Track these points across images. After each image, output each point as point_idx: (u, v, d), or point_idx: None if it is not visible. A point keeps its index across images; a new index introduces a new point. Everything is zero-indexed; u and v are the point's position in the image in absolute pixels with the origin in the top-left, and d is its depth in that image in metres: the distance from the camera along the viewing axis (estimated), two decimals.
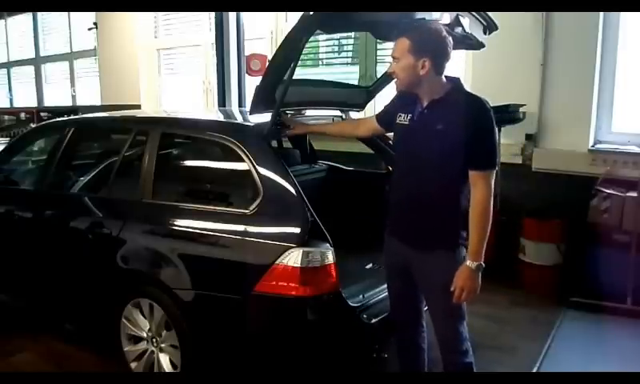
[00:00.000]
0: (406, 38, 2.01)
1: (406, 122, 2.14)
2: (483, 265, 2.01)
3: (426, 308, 2.34)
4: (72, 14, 8.02)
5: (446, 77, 2.08)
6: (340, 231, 2.43)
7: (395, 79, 2.11)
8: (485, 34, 2.79)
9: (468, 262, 2.00)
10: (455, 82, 2.10)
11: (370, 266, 2.97)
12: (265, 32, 5.76)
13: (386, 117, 2.35)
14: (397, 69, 2.06)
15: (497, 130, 2.05)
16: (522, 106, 3.90)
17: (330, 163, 3.84)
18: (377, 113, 2.44)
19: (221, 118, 3.48)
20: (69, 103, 8.26)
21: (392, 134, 2.30)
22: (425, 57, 1.99)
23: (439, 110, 2.03)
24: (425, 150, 2.05)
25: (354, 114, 3.29)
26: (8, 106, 9.50)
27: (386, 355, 2.53)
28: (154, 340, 2.66)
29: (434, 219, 2.08)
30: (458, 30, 2.48)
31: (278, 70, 2.37)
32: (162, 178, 2.74)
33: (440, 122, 2.00)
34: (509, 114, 3.81)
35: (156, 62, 7.04)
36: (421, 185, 2.07)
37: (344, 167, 3.80)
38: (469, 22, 2.54)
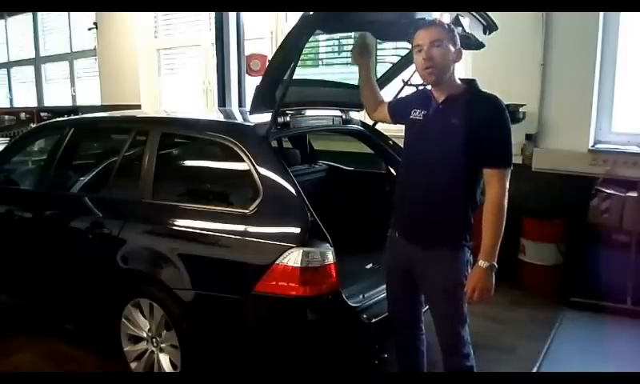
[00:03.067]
0: (439, 25, 2.00)
1: (420, 118, 2.12)
2: (496, 265, 1.99)
3: (426, 309, 2.33)
4: (72, 13, 8.01)
5: (460, 79, 2.09)
6: (340, 231, 2.42)
7: (426, 69, 1.99)
8: (485, 33, 2.79)
9: (480, 262, 1.98)
10: (471, 83, 2.09)
11: (370, 265, 2.96)
12: (265, 32, 5.76)
13: (398, 109, 2.34)
14: (438, 54, 1.97)
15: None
16: (522, 105, 3.90)
17: (330, 163, 3.84)
18: (390, 100, 2.41)
19: (221, 118, 3.48)
20: (69, 103, 8.25)
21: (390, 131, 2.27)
22: (457, 44, 2.03)
23: (455, 106, 2.02)
24: (439, 146, 2.02)
25: (353, 114, 3.29)
26: (8, 106, 9.49)
27: (385, 355, 2.53)
28: (154, 340, 2.67)
29: (444, 216, 2.05)
30: (458, 29, 2.47)
31: (278, 70, 2.37)
32: (162, 178, 2.74)
33: (455, 117, 1.99)
34: (509, 114, 3.80)
35: (156, 62, 7.03)
36: (432, 181, 2.04)
37: (344, 167, 3.80)
38: (469, 22, 2.54)
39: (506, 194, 1.98)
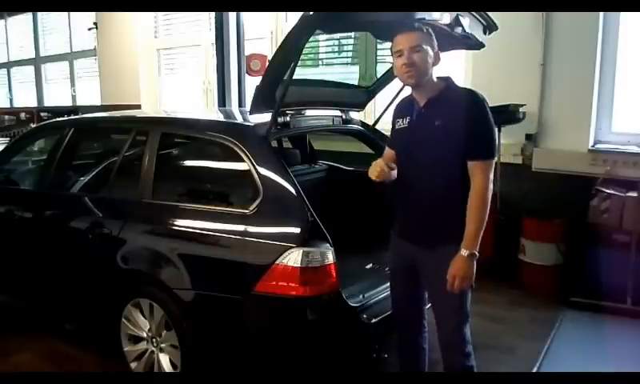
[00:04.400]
0: (418, 30, 2.04)
1: (405, 125, 2.18)
2: (477, 254, 2.02)
3: (429, 306, 2.33)
4: (72, 13, 8.01)
5: (438, 77, 2.12)
6: (340, 231, 2.42)
7: (407, 73, 2.03)
8: (485, 33, 2.79)
9: (462, 251, 2.01)
10: (448, 80, 2.13)
11: (370, 265, 2.97)
12: (265, 32, 5.76)
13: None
14: (418, 59, 2.01)
15: (493, 121, 2.05)
16: (522, 105, 3.90)
17: (330, 163, 3.84)
18: (388, 140, 2.39)
19: (221, 118, 3.48)
20: (69, 103, 8.25)
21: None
22: (435, 48, 2.07)
23: (436, 106, 2.07)
24: (428, 149, 2.07)
25: (353, 114, 3.29)
26: (8, 106, 9.49)
27: (385, 355, 2.53)
28: (154, 340, 2.67)
29: (442, 215, 2.08)
30: (458, 30, 2.48)
31: (278, 70, 2.37)
32: (162, 178, 2.74)
33: (438, 117, 2.04)
34: (509, 114, 3.81)
35: (156, 62, 7.03)
36: (425, 182, 2.09)
37: (344, 167, 3.80)
38: (469, 22, 2.54)
39: (490, 185, 2.02)
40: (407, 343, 2.38)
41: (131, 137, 3.00)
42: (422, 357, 2.39)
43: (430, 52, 2.04)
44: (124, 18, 6.99)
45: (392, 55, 2.09)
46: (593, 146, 3.94)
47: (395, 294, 2.34)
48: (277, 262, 2.21)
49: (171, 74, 7.05)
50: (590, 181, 3.82)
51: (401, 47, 2.03)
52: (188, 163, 3.32)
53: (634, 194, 3.58)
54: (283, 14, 5.61)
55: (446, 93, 2.09)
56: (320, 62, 5.71)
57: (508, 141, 4.08)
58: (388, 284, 2.56)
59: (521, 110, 3.90)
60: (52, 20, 8.58)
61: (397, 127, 2.24)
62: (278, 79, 2.39)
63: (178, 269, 2.48)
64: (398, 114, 2.25)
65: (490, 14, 2.70)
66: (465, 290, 2.07)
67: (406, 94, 2.28)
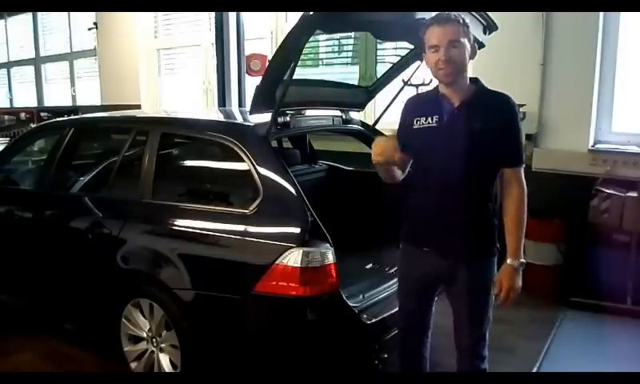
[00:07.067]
0: (455, 21, 1.88)
1: (433, 124, 1.95)
2: (525, 262, 1.99)
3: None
4: (72, 13, 8.01)
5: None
6: (340, 231, 2.42)
7: (442, 70, 1.87)
8: (485, 33, 2.79)
9: (509, 261, 1.96)
10: (477, 82, 2.01)
11: (370, 265, 2.97)
12: (265, 32, 5.76)
13: (406, 141, 2.04)
14: (456, 55, 1.85)
15: None
16: (522, 106, 3.90)
17: (330, 163, 3.84)
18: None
19: (221, 118, 3.48)
20: (69, 103, 8.24)
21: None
22: (472, 40, 1.93)
23: (473, 108, 1.92)
24: (463, 152, 1.90)
25: (353, 114, 3.29)
26: (8, 106, 9.49)
27: (385, 355, 2.53)
28: (154, 340, 2.67)
29: (475, 224, 1.98)
30: None
31: (278, 70, 2.37)
32: (162, 178, 2.74)
33: (477, 120, 1.89)
34: None
35: (156, 62, 7.03)
36: (459, 189, 1.93)
37: (344, 167, 3.80)
38: (469, 22, 2.53)
39: (526, 190, 2.02)
40: (410, 353, 2.29)
41: (131, 137, 3.00)
42: (424, 365, 2.32)
43: (468, 46, 1.88)
44: (124, 18, 6.98)
45: (425, 48, 1.92)
46: (593, 146, 3.94)
47: (407, 306, 2.20)
48: (277, 261, 2.21)
49: (171, 73, 7.05)
50: (589, 181, 3.82)
51: (436, 42, 1.86)
52: (188, 163, 3.32)
53: (634, 194, 3.58)
54: (283, 13, 5.61)
55: (481, 95, 1.96)
56: (320, 62, 5.71)
57: None
58: (388, 284, 2.56)
59: (521, 109, 3.88)
60: (52, 20, 8.58)
61: (416, 126, 1.98)
62: (278, 79, 2.39)
63: (178, 269, 2.48)
64: (416, 112, 2.01)
65: (490, 13, 2.70)
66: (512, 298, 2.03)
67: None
